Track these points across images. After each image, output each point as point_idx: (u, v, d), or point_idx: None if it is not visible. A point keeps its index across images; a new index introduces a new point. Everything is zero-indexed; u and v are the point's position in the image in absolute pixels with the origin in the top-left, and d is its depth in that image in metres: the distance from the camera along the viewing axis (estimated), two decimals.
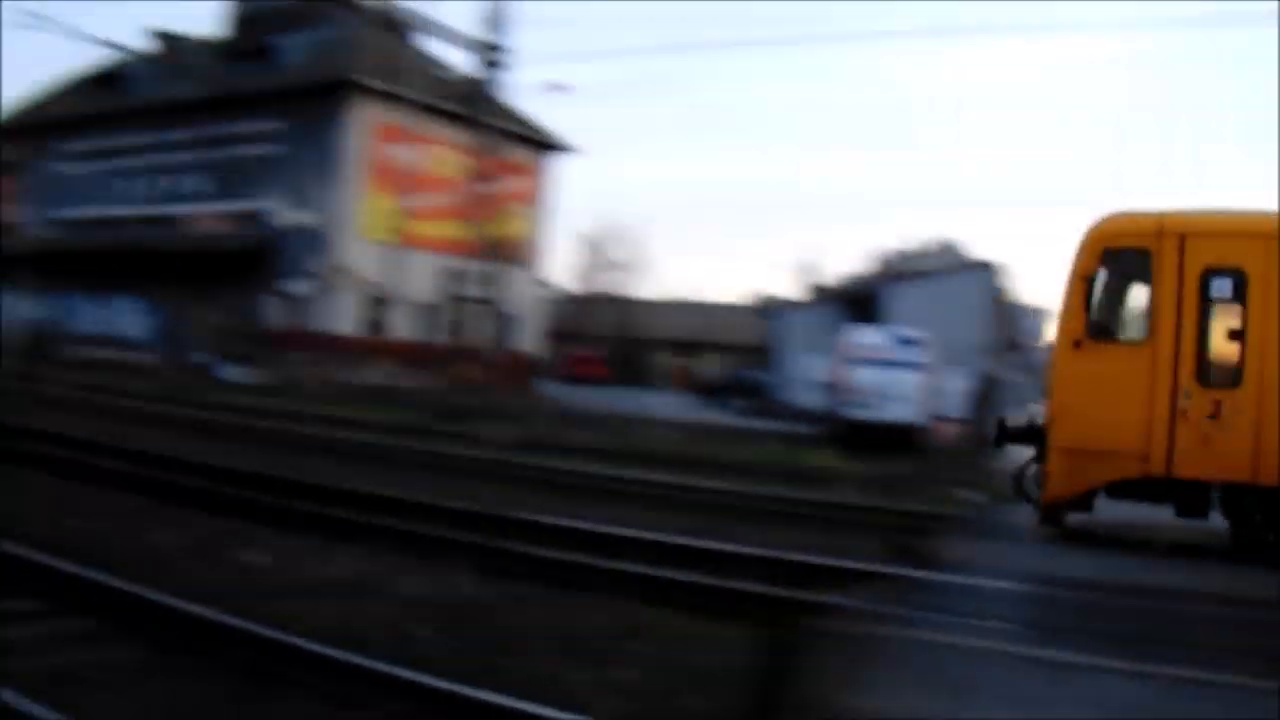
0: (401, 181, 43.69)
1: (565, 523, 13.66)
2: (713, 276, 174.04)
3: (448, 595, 10.05)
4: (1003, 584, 10.92)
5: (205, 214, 51.45)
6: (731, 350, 74.51)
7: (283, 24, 52.69)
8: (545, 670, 7.84)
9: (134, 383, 38.64)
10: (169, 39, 60.12)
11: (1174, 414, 13.20)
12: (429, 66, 46.49)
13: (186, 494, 14.37)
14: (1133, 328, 14.30)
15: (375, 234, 46.66)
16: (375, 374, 40.55)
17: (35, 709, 5.85)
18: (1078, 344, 13.74)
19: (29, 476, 15.36)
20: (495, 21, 36.55)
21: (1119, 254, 13.95)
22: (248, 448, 20.91)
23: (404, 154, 40.67)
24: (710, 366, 75.97)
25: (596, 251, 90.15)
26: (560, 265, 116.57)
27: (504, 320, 41.52)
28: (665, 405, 36.66)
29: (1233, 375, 13.22)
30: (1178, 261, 13.38)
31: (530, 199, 53.18)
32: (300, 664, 7.24)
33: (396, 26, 44.08)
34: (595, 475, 19.56)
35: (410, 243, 44.70)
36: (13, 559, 9.23)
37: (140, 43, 58.69)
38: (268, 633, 7.68)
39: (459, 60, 44.08)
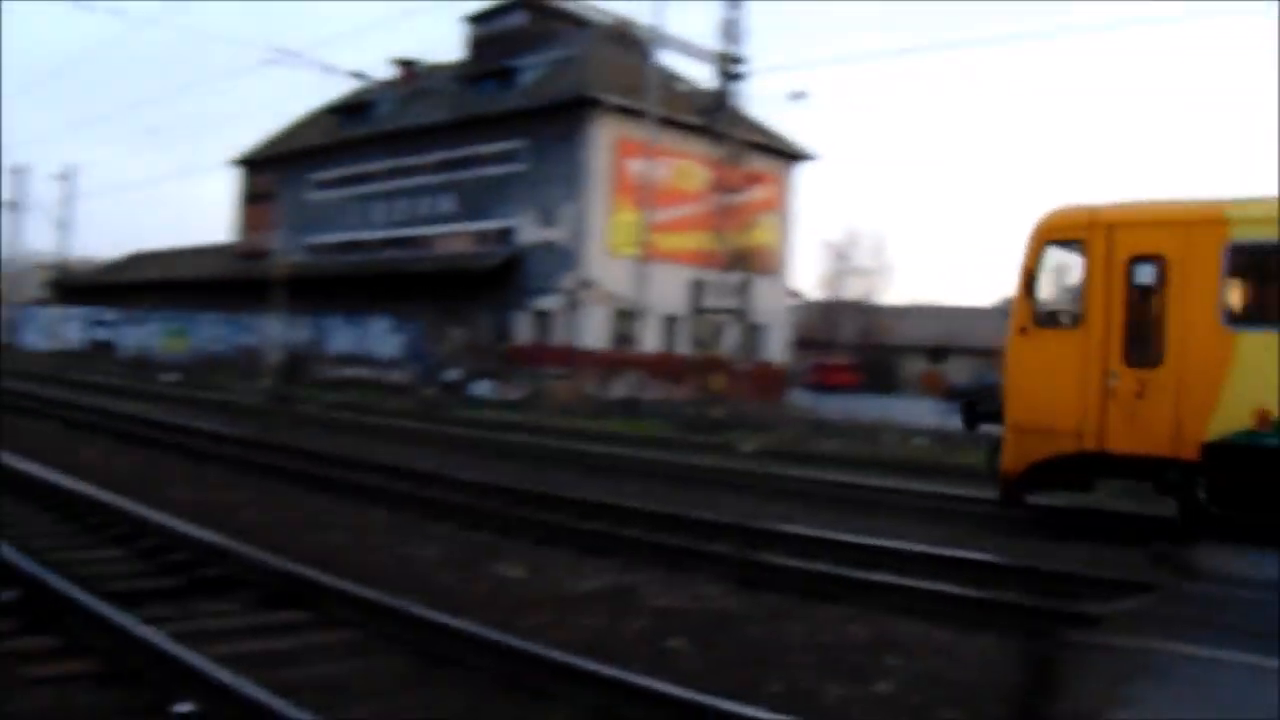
0: (645, 195, 44.04)
1: (817, 533, 13.51)
2: (959, 279, 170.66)
3: (700, 607, 10.00)
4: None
5: (451, 234, 52.70)
6: (982, 354, 72.97)
7: (521, 44, 53.74)
8: (803, 684, 7.72)
9: (387, 400, 39.81)
10: (410, 66, 61.93)
11: (1104, 393, 14.32)
12: (667, 80, 46.74)
13: (443, 508, 14.71)
14: (1069, 315, 15.17)
15: (621, 248, 47.06)
16: (623, 387, 40.84)
17: (306, 717, 5.95)
18: (1024, 330, 15.04)
19: (292, 492, 15.92)
20: (731, 31, 36.48)
21: (1058, 246, 15.15)
22: (500, 462, 21.28)
23: (646, 168, 40.91)
24: (960, 371, 74.51)
25: (841, 258, 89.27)
26: (805, 273, 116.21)
27: (751, 330, 41.40)
28: (915, 412, 35.90)
29: (1155, 356, 14.12)
30: (1105, 251, 14.48)
31: (774, 208, 53.05)
32: (559, 676, 7.25)
33: (633, 42, 44.41)
34: (847, 484, 19.27)
35: (656, 256, 44.93)
36: (281, 573, 9.53)
37: (383, 71, 60.63)
38: (525, 645, 7.72)
39: (697, 72, 44.25)
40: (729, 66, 36.74)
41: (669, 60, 46.08)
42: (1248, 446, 13.25)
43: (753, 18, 55.42)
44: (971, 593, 10.47)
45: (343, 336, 55.23)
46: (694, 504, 15.81)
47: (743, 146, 38.08)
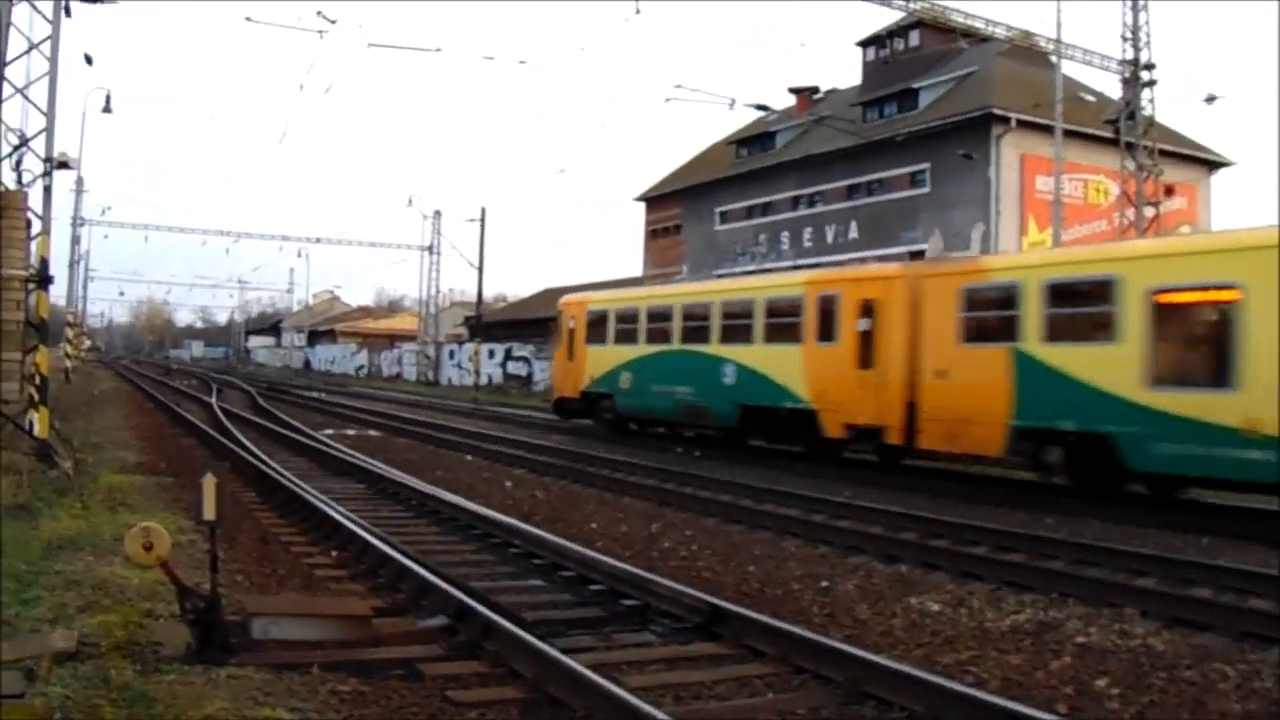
0: (1054, 212, 42.76)
1: (1261, 569, 12.68)
2: None
3: (1126, 645, 9.55)
4: None
5: (858, 261, 52.60)
6: None
7: (918, 66, 53.20)
8: None
9: None
10: (808, 93, 62.26)
11: (854, 384, 24.02)
12: (1072, 91, 45.30)
13: (859, 539, 14.66)
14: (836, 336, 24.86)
15: None
16: None
17: None
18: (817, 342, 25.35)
19: (709, 523, 16.16)
20: (1135, 37, 35.10)
21: (829, 296, 25.23)
22: (904, 494, 20.93)
23: (1055, 184, 39.70)
24: None
25: None
26: None
27: None
28: None
29: (870, 360, 23.70)
30: (849, 297, 24.64)
31: (1191, 219, 50.51)
32: (977, 716, 7.03)
33: (1035, 54, 43.25)
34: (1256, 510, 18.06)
35: None
36: (699, 605, 9.65)
37: (781, 101, 61.06)
38: (945, 682, 7.56)
39: (1101, 82, 42.68)
40: (1136, 73, 35.31)
41: (1071, 70, 44.68)
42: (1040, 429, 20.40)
43: (1159, 21, 52.97)
44: None
45: None
46: (1118, 535, 15.18)
47: (1155, 156, 36.51)
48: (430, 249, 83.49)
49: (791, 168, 56.52)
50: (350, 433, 31.85)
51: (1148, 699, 8.01)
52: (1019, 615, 10.59)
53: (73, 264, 70.74)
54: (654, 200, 68.81)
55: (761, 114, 51.00)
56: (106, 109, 44.89)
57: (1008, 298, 20.79)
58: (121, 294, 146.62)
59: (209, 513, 7.79)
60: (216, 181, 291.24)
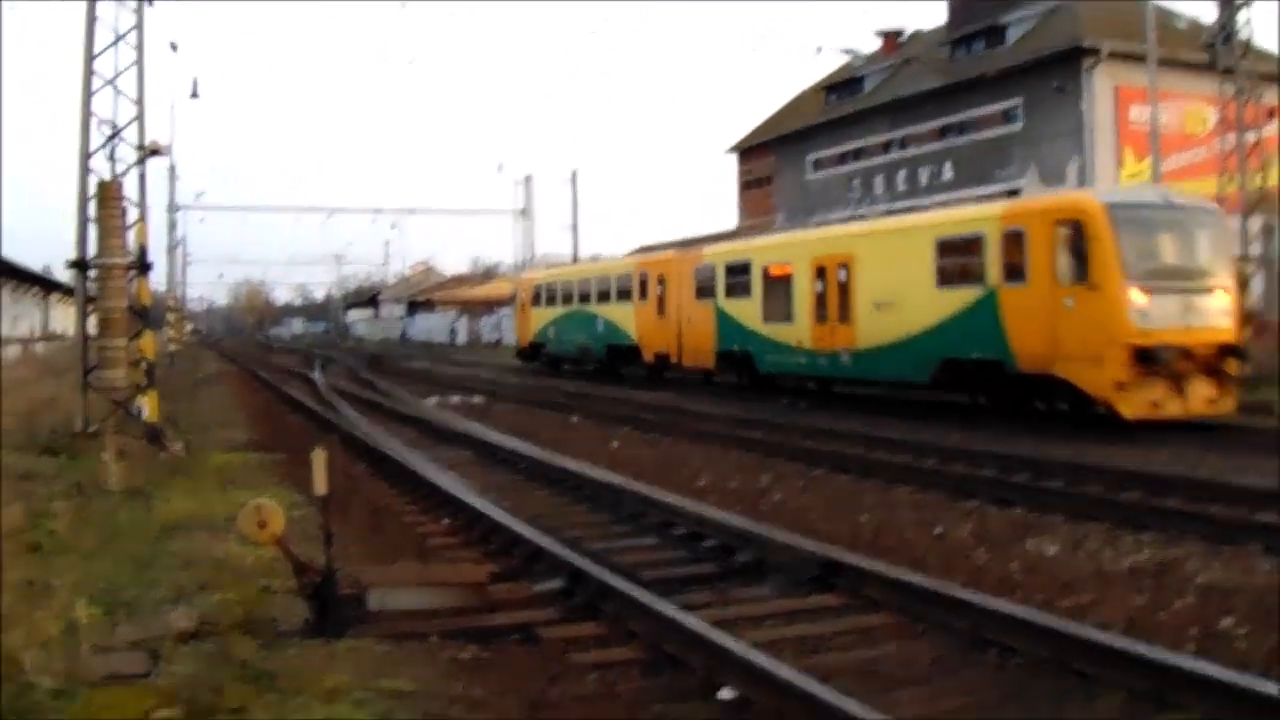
0: (1151, 143, 41.88)
1: None
2: None
3: (1249, 583, 9.29)
4: None
5: (955, 201, 51.96)
6: None
7: (1005, 1, 52.21)
8: None
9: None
10: (895, 35, 61.46)
11: (655, 328, 37.24)
12: (1164, 18, 44.22)
13: (971, 484, 14.36)
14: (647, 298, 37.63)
15: None
16: None
17: (850, 705, 5.91)
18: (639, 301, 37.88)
19: (815, 473, 16.02)
20: None
21: (644, 273, 38.54)
22: (1023, 438, 20.61)
23: (1150, 114, 38.78)
24: None
25: None
26: None
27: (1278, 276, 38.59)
28: None
29: (664, 312, 36.61)
30: (652, 273, 38.18)
31: None
32: (1103, 660, 6.90)
33: None
34: None
35: None
36: (813, 557, 9.58)
37: (869, 44, 60.33)
38: (1067, 626, 7.43)
39: (1194, 7, 41.60)
40: None
41: None
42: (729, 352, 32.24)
43: None
44: None
45: None
46: (1232, 471, 14.73)
47: (1254, 79, 35.52)
48: (523, 213, 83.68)
49: (882, 111, 55.88)
50: (454, 400, 32.06)
51: (1277, 637, 7.80)
52: (1138, 556, 10.34)
53: (170, 250, 71.73)
54: (746, 152, 68.42)
55: (849, 59, 50.36)
56: (194, 94, 45.35)
57: (711, 273, 33.92)
58: (220, 276, 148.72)
59: (320, 486, 7.82)
60: (307, 160, 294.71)
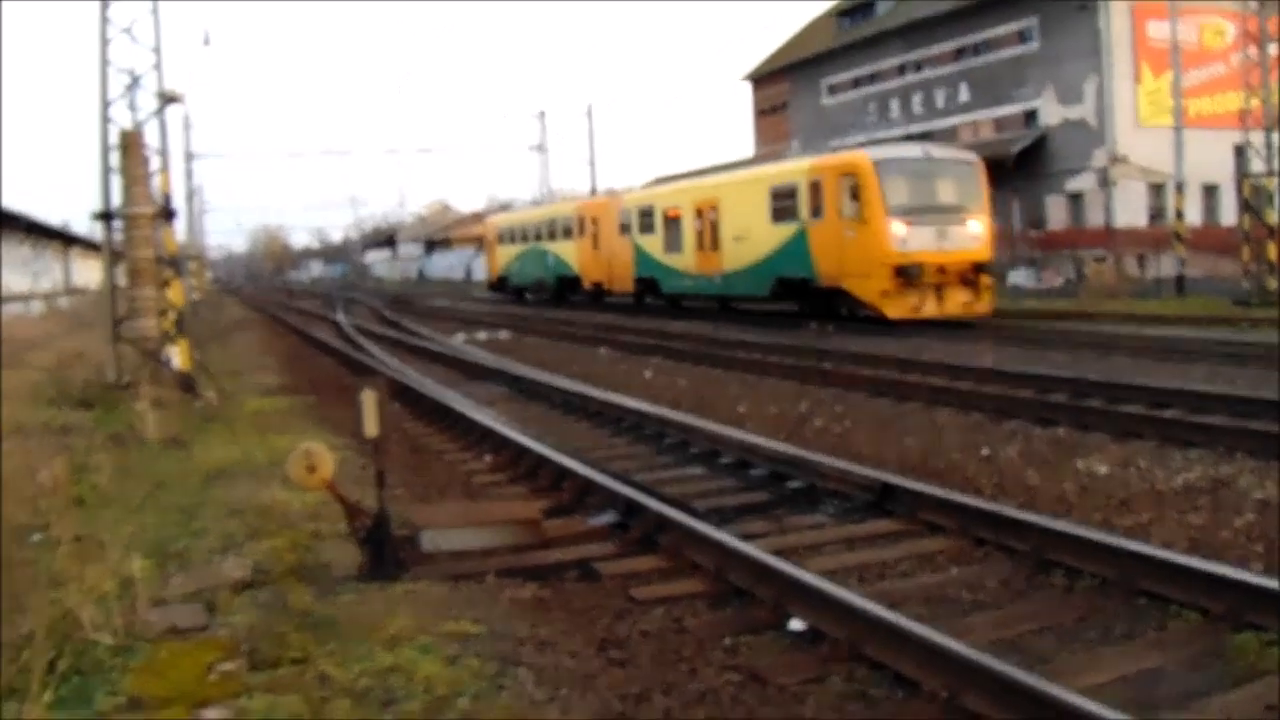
0: (1171, 59, 41.36)
1: None
2: None
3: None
4: None
5: (972, 123, 51.53)
6: None
7: None
8: None
9: None
10: None
11: (591, 260, 46.23)
12: None
13: (1012, 404, 14.27)
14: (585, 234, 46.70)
15: (1150, 119, 44.56)
16: (1165, 266, 38.59)
17: (921, 629, 5.80)
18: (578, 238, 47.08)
19: (854, 398, 15.92)
20: None
21: (581, 216, 47.27)
22: (1053, 353, 20.56)
23: (1169, 30, 38.24)
24: None
25: None
26: None
27: None
28: None
29: (598, 247, 45.46)
30: (588, 216, 46.61)
31: None
32: (1173, 579, 6.78)
33: None
34: None
35: (1189, 123, 42.10)
36: (867, 482, 9.45)
37: None
38: (1132, 545, 7.30)
39: None
40: None
41: None
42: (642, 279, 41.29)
43: None
44: None
45: None
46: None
47: None
48: (539, 148, 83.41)
49: (896, 35, 55.50)
50: (481, 336, 32.02)
51: None
52: (1189, 474, 10.21)
53: (189, 198, 71.75)
54: (760, 80, 68.15)
55: None
56: (206, 42, 46.10)
57: (629, 216, 42.29)
58: (238, 224, 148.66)
59: (370, 428, 7.69)
60: (321, 104, 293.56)
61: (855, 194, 28.44)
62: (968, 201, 28.59)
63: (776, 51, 68.33)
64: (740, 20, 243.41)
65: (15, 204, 45.14)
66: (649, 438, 13.38)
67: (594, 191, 70.66)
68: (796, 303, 32.12)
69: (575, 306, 46.38)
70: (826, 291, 29.91)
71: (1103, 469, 10.57)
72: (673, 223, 38.75)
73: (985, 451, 11.70)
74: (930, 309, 27.19)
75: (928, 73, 53.97)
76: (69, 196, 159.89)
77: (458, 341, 29.28)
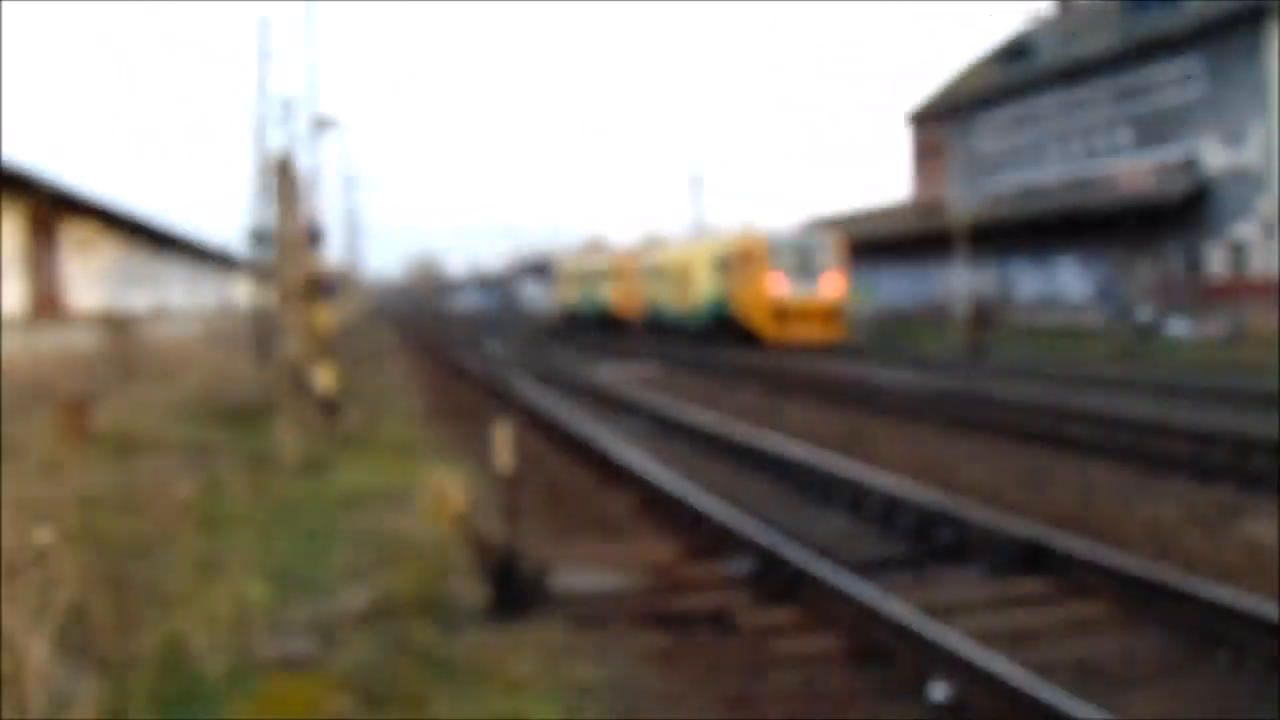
0: None
1: None
2: None
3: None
4: None
5: (1129, 168, 50.29)
6: None
7: None
8: None
9: (1079, 346, 38.48)
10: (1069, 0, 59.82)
11: (625, 300, 62.36)
12: None
13: (1170, 462, 13.57)
14: (621, 281, 64.10)
15: None
16: None
17: (1080, 707, 5.35)
18: (614, 284, 65.03)
19: (1004, 448, 15.35)
20: None
21: (617, 267, 66.05)
22: (1220, 406, 19.69)
23: None
24: None
25: None
26: None
27: None
28: None
29: (630, 291, 61.24)
30: (615, 268, 65.48)
31: None
32: None
33: None
34: None
35: None
36: (1018, 539, 8.95)
37: (1043, 7, 58.97)
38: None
39: None
40: None
41: None
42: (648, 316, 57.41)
43: None
44: None
45: (1029, 282, 54.22)
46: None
47: None
48: (694, 182, 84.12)
49: (1054, 76, 54.44)
50: (630, 369, 31.84)
51: None
52: None
53: (346, 223, 73.33)
54: (920, 120, 67.49)
55: (1021, 25, 49.10)
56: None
57: (643, 270, 58.27)
58: (398, 251, 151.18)
59: (503, 462, 7.46)
60: (479, 134, 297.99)
61: (754, 261, 43.56)
62: (827, 265, 43.28)
63: (936, 94, 67.64)
64: (906, 62, 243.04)
65: (179, 224, 46.35)
66: (791, 479, 13.00)
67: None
68: (726, 334, 45.09)
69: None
70: (738, 324, 44.23)
71: (1271, 536, 9.90)
72: (666, 275, 55.03)
73: (1143, 509, 11.09)
74: (799, 336, 40.72)
75: (1088, 115, 52.84)
76: (231, 218, 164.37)
77: (604, 374, 29.18)
